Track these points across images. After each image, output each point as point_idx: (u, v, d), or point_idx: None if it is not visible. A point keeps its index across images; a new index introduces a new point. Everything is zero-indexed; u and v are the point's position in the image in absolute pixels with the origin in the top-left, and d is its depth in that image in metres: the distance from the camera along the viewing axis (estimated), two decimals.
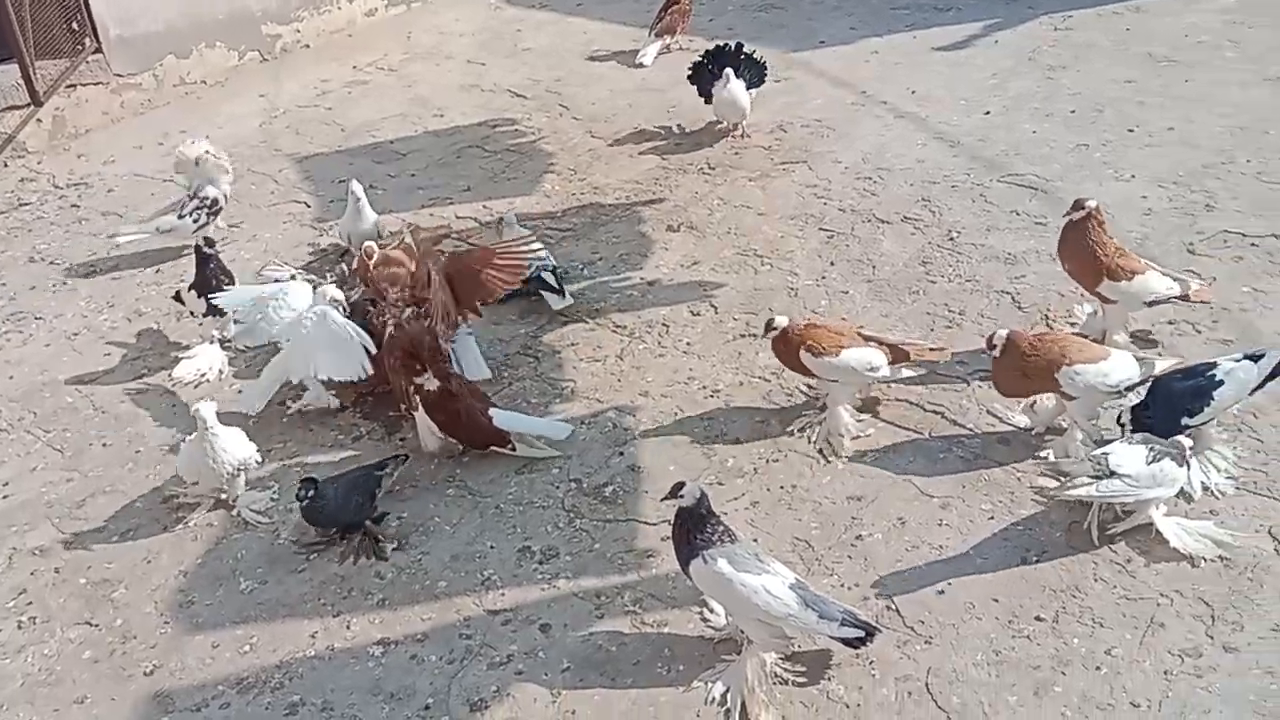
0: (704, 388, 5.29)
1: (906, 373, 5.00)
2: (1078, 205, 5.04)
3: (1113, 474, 4.02)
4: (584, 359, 5.61)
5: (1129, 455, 4.04)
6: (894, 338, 5.05)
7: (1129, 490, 4.02)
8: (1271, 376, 4.34)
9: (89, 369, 5.91)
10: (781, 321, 4.85)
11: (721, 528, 3.86)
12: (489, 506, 4.76)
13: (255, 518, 4.84)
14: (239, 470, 4.80)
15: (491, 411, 4.92)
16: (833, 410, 4.89)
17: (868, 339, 4.92)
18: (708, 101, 7.49)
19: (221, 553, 4.70)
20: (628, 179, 7.23)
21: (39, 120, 8.13)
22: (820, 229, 6.48)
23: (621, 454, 4.97)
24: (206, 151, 6.70)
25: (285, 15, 9.63)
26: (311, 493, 4.43)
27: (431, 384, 4.90)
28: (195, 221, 6.61)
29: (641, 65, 8.83)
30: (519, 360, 5.64)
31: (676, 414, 5.17)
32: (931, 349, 5.06)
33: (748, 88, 7.34)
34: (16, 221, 7.41)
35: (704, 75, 7.46)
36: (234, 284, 5.76)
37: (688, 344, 5.64)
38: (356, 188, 6.24)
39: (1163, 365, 4.65)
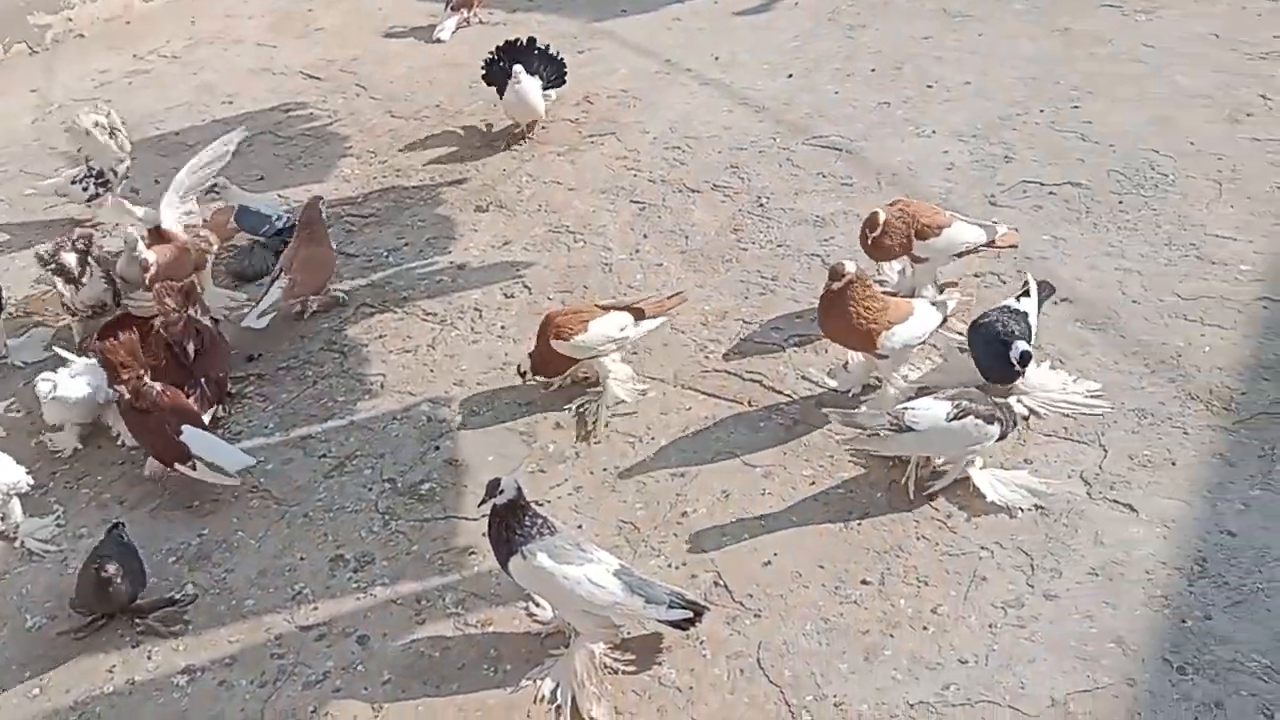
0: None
1: (651, 326, 4.95)
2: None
3: (908, 429, 4.01)
4: (393, 350, 5.38)
5: (928, 412, 4.03)
6: (629, 299, 5.13)
7: (920, 445, 4.02)
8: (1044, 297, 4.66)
9: None
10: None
11: (540, 520, 3.71)
12: (296, 515, 4.51)
13: (41, 547, 4.48)
14: (8, 496, 4.41)
15: (185, 428, 4.59)
16: (607, 386, 4.88)
17: (606, 308, 4.90)
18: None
19: (4, 588, 4.32)
20: (431, 159, 6.99)
21: None
22: (632, 201, 6.36)
23: (437, 448, 4.78)
24: (97, 124, 6.27)
25: (54, 4, 9.00)
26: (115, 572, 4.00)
27: (125, 392, 4.62)
28: (85, 190, 6.39)
29: (439, 40, 8.54)
30: (323, 357, 5.37)
31: (493, 402, 4.99)
32: (669, 298, 5.08)
33: (545, 87, 6.97)
34: None
35: (496, 72, 6.97)
36: None
37: (502, 327, 5.46)
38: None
39: (953, 303, 4.68)
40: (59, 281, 5.31)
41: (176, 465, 4.52)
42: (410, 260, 6.01)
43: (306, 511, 4.53)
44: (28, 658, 4.05)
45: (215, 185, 5.91)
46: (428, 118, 7.47)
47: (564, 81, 7.06)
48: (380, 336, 5.46)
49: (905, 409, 4.08)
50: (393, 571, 4.22)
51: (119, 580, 3.93)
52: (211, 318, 5.34)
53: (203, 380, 4.94)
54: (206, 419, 4.78)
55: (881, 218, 4.83)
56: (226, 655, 3.98)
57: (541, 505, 4.34)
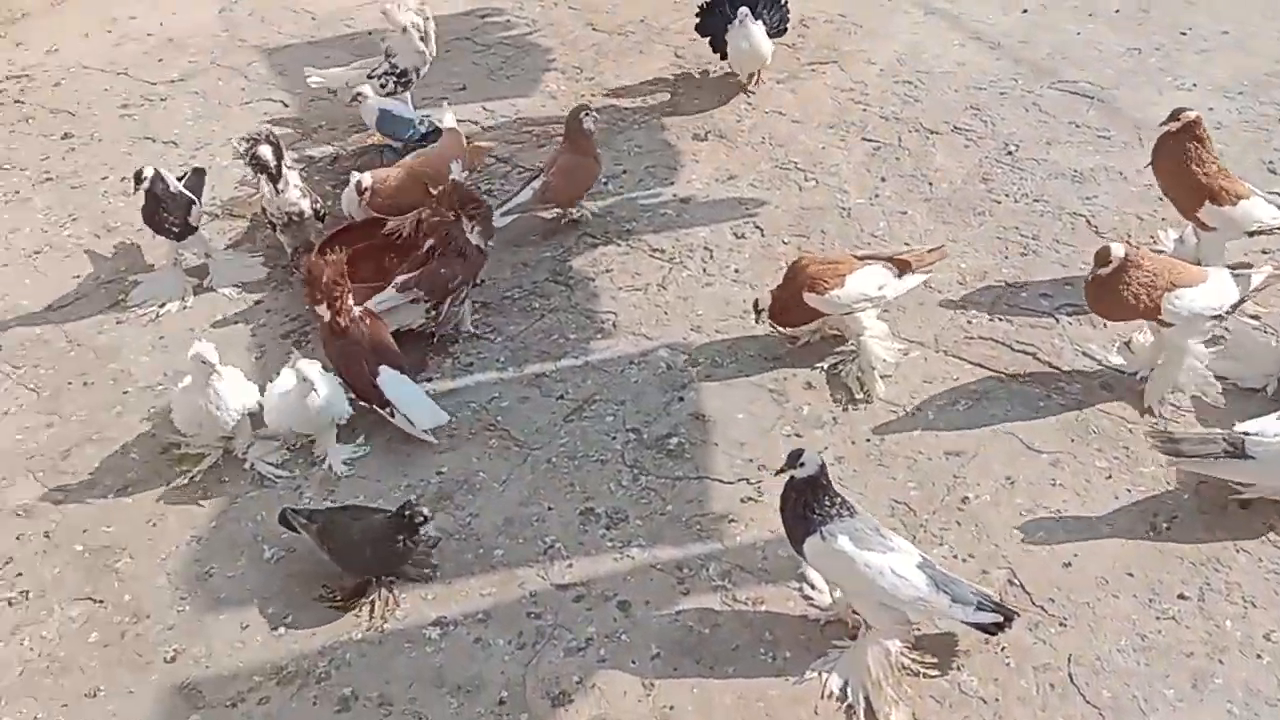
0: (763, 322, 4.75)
1: (913, 283, 4.55)
2: (1175, 115, 4.52)
3: (1249, 455, 3.58)
4: (622, 287, 5.06)
5: (1277, 438, 3.59)
6: (888, 250, 4.72)
7: (1265, 474, 3.60)
8: None
9: (57, 294, 5.23)
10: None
11: (839, 499, 3.40)
12: (539, 460, 4.24)
13: (271, 471, 4.27)
14: (243, 416, 4.19)
15: (382, 369, 4.35)
16: (863, 345, 4.49)
17: (863, 259, 4.52)
18: (720, 52, 6.45)
19: (237, 514, 4.13)
20: (640, 80, 6.56)
21: None
22: (864, 139, 5.93)
23: (681, 399, 4.47)
24: (413, 24, 5.95)
25: None
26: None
27: (325, 314, 4.39)
28: (383, 87, 5.96)
29: None
30: (549, 288, 5.07)
31: (736, 353, 4.67)
32: (930, 251, 4.66)
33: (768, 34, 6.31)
34: None
35: (716, 18, 6.26)
36: (185, 213, 5.07)
37: (735, 271, 5.10)
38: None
39: (1259, 278, 4.22)
40: (261, 179, 5.03)
41: (375, 408, 4.30)
42: (630, 189, 5.66)
43: (549, 457, 4.26)
44: (268, 593, 3.87)
45: (357, 94, 5.69)
46: (632, 33, 7.05)
47: (786, 27, 6.50)
48: (607, 270, 5.14)
49: (1246, 432, 3.64)
50: (649, 533, 3.94)
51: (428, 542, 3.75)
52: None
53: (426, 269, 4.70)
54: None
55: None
56: (479, 610, 3.75)
57: None
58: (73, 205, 5.83)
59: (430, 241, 4.76)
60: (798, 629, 3.63)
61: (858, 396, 4.40)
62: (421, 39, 5.95)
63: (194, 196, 5.00)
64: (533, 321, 4.91)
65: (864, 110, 6.15)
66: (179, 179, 5.16)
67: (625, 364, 4.66)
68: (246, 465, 4.33)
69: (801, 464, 3.33)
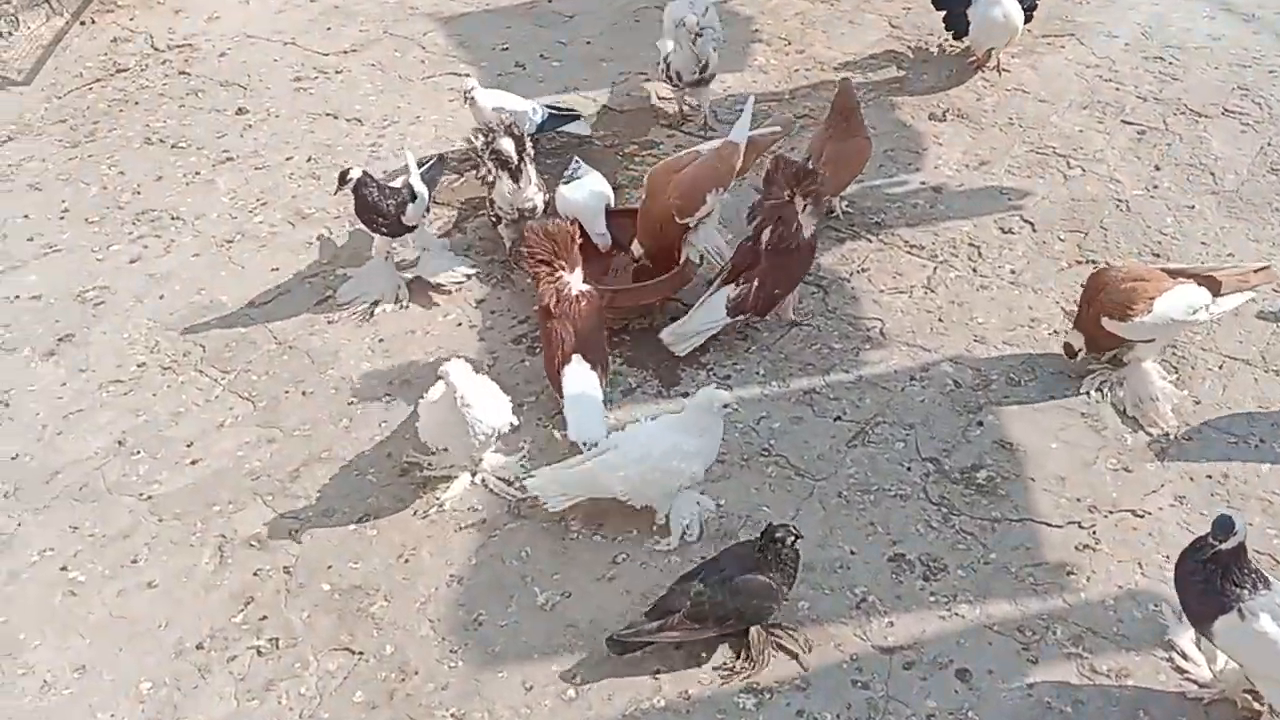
0: (1055, 332, 4.20)
1: (1231, 304, 4.00)
2: None
3: None
4: (884, 289, 4.52)
5: None
6: (1198, 268, 4.11)
7: None
8: None
9: (258, 288, 4.78)
10: None
11: (1254, 569, 2.83)
12: (828, 493, 3.74)
13: (504, 490, 3.82)
14: (490, 439, 3.73)
15: (573, 361, 3.98)
16: (1138, 370, 3.96)
17: (1174, 274, 3.94)
18: (954, 29, 5.84)
19: (498, 548, 3.68)
20: (856, 50, 5.99)
21: None
22: (1124, 122, 5.33)
23: (980, 424, 3.93)
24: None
25: None
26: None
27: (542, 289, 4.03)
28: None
29: None
30: (800, 289, 4.51)
31: (1033, 370, 4.12)
32: (1256, 270, 4.06)
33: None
34: (117, 91, 6.11)
35: None
36: (400, 210, 4.58)
37: (1011, 271, 4.54)
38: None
39: None
40: (502, 175, 4.53)
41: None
42: (872, 177, 5.10)
43: (839, 490, 3.76)
44: (550, 645, 3.42)
45: (468, 91, 5.10)
46: (837, 1, 6.43)
47: (1036, 5, 5.84)
48: (862, 270, 4.60)
49: None
50: (975, 586, 3.43)
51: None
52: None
53: (757, 282, 4.20)
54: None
55: None
56: (795, 676, 3.25)
57: (1143, 517, 3.48)
58: (259, 188, 5.38)
59: (765, 233, 4.21)
60: (1175, 708, 3.10)
61: (1145, 427, 3.82)
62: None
63: (415, 192, 4.53)
64: (786, 328, 4.38)
65: (1117, 90, 5.53)
66: (421, 164, 4.80)
67: (905, 380, 4.13)
68: (477, 479, 3.84)
69: (1234, 533, 2.78)
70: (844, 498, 3.75)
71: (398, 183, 4.63)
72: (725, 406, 3.56)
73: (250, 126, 5.79)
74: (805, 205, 4.16)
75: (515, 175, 4.47)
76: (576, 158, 4.95)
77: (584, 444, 3.83)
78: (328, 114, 5.85)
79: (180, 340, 4.56)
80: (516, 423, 3.88)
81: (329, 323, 4.62)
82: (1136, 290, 3.85)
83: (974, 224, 4.81)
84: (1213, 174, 4.96)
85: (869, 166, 5.12)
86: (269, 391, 4.32)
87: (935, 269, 4.61)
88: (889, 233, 4.81)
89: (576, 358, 3.99)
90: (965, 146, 5.25)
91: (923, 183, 5.06)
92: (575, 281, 4.09)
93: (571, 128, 5.33)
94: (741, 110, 4.62)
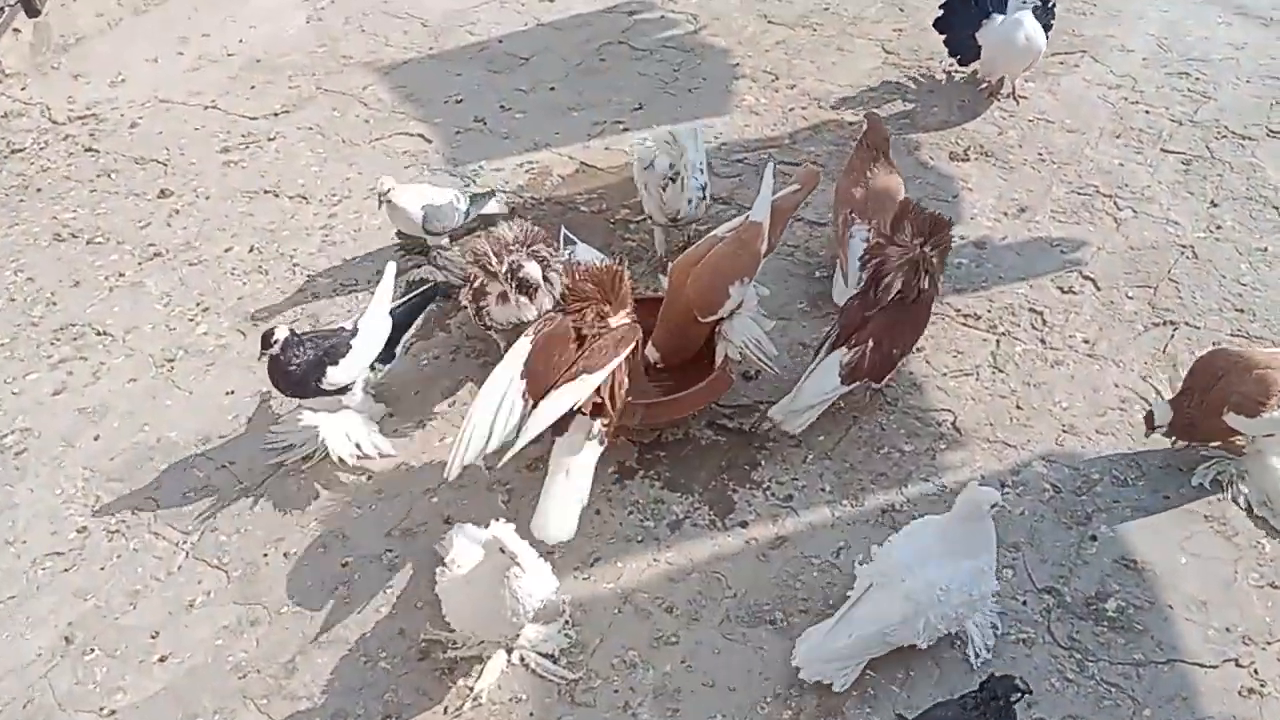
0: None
1: None
2: None
3: None
4: (945, 371, 3.95)
5: None
6: None
7: None
8: None
9: (212, 419, 4.05)
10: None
11: None
12: (938, 642, 3.10)
13: (551, 670, 3.13)
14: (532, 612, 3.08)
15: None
16: (1262, 464, 3.49)
17: None
18: (959, 53, 5.25)
19: None
20: (851, 81, 5.41)
21: (16, 30, 5.88)
22: (1164, 150, 4.82)
23: (1093, 538, 3.39)
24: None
25: None
26: None
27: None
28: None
29: None
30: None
31: (1140, 466, 3.57)
32: None
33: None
34: (15, 177, 5.31)
35: (965, 11, 5.12)
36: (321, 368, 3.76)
37: (1085, 342, 4.00)
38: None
39: None
40: (521, 299, 3.85)
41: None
42: None
43: (951, 636, 3.12)
44: None
45: (385, 193, 4.39)
46: (820, 25, 5.89)
47: (1053, 22, 5.28)
48: (917, 349, 3.98)
49: None
50: None
51: None
52: None
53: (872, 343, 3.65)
54: None
55: None
56: None
57: None
58: (197, 290, 4.63)
59: (882, 285, 3.66)
60: None
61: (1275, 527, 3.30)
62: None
63: (351, 337, 3.80)
64: (845, 427, 3.78)
65: (1147, 113, 5.03)
66: (413, 287, 4.23)
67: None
68: (514, 656, 3.17)
69: None
70: (958, 647, 3.13)
71: (350, 323, 3.87)
72: (994, 506, 2.99)
73: (177, 212, 5.03)
74: (932, 257, 3.64)
75: (534, 296, 3.80)
76: (565, 230, 4.29)
77: (546, 541, 3.26)
78: (266, 191, 5.11)
79: (126, 493, 3.83)
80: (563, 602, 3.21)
81: (303, 457, 3.87)
82: (1268, 380, 3.31)
83: (1030, 285, 4.26)
84: (1276, 208, 4.46)
85: None
86: (243, 555, 3.60)
87: (998, 342, 4.04)
88: (937, 301, 4.20)
89: (580, 420, 3.41)
90: (998, 190, 4.69)
91: (963, 237, 4.48)
92: (618, 321, 3.50)
93: (489, 208, 4.65)
94: (740, 162, 4.03)
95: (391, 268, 4.01)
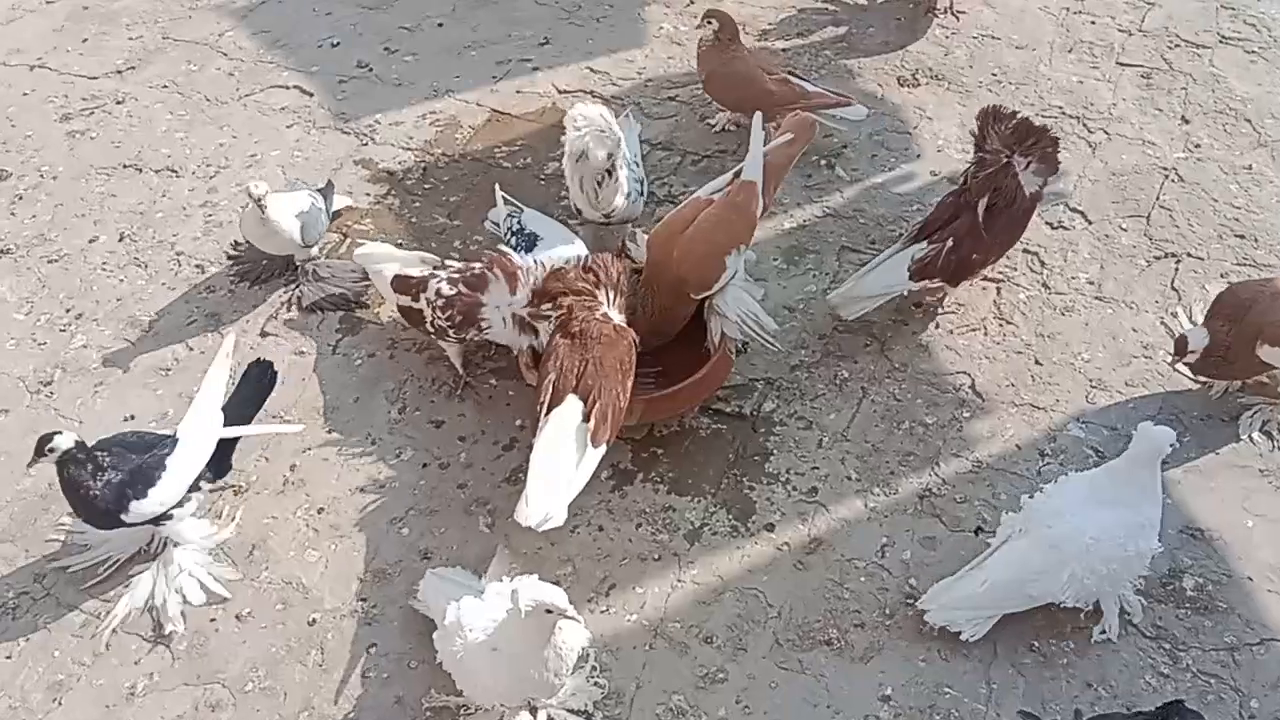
0: (1170, 353, 3.36)
1: None
2: None
3: None
4: (952, 328, 3.65)
5: None
6: None
7: None
8: None
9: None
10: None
11: None
12: (1016, 648, 2.85)
13: None
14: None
15: (558, 410, 3.04)
16: None
17: None
18: None
19: None
20: (773, 4, 4.96)
21: None
22: (1120, 64, 4.52)
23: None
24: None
25: None
26: None
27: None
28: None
29: None
30: (847, 343, 3.67)
31: (1177, 418, 3.35)
32: None
33: None
34: None
35: None
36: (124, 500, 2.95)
37: (1090, 284, 3.73)
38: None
39: None
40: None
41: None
42: (868, 169, 4.15)
43: (1029, 639, 2.92)
44: None
45: (260, 198, 3.60)
46: None
47: None
48: (915, 304, 3.63)
49: None
50: None
51: None
52: None
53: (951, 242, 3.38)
54: None
55: None
56: None
57: None
58: (63, 293, 3.95)
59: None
60: None
61: None
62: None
63: (170, 453, 2.99)
64: (855, 401, 3.39)
65: (1093, 24, 4.76)
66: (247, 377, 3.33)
67: (1034, 458, 3.26)
68: (541, 718, 2.73)
69: None
70: (1038, 650, 2.81)
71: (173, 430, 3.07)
72: (1171, 448, 2.68)
73: (20, 198, 4.26)
74: (1028, 164, 3.37)
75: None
76: (502, 193, 3.73)
77: (537, 526, 2.84)
78: (126, 165, 4.37)
79: (22, 558, 3.14)
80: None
81: (235, 492, 3.26)
82: None
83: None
84: (1248, 120, 4.24)
85: (856, 156, 4.14)
86: (188, 623, 2.97)
87: (999, 290, 3.71)
88: None
89: (572, 401, 2.95)
90: (959, 117, 4.33)
91: (933, 172, 4.12)
92: (614, 315, 3.10)
93: (337, 203, 4.02)
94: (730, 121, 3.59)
95: (229, 343, 3.25)
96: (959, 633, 2.80)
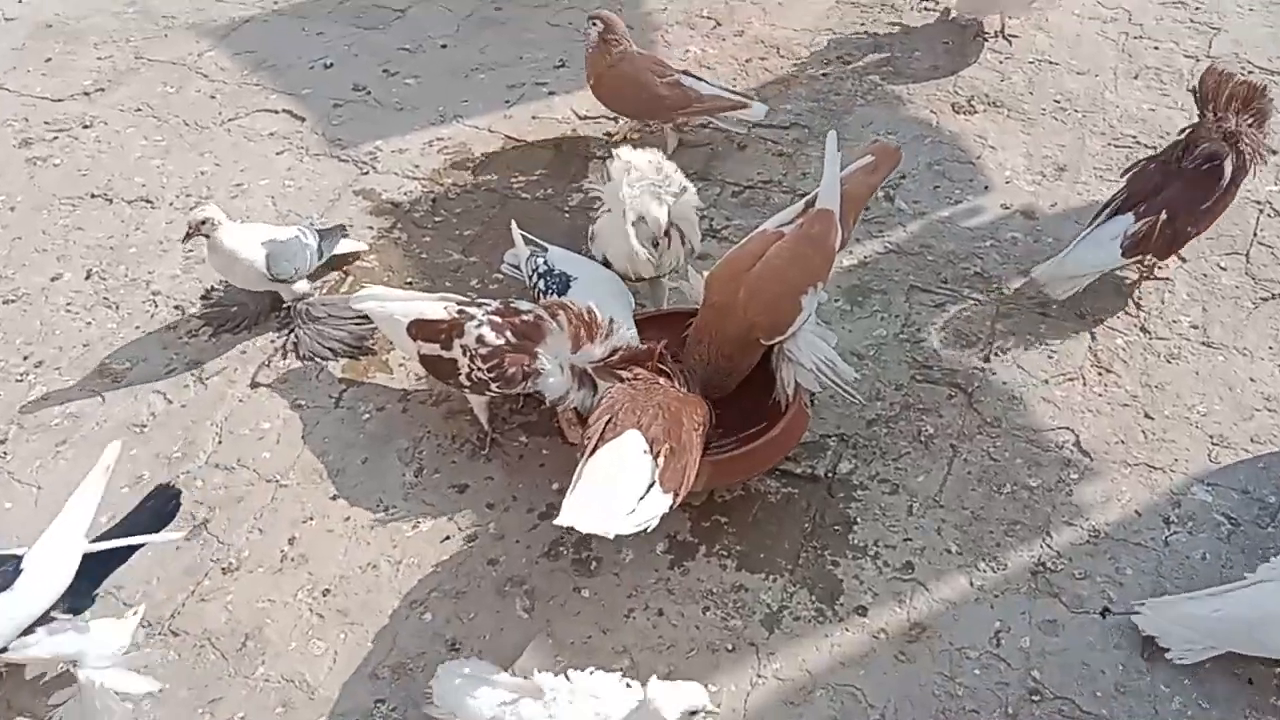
0: None
1: None
2: None
3: None
4: (1045, 376, 3.23)
5: None
6: None
7: None
8: None
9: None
10: None
11: None
12: None
13: None
14: None
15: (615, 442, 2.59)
16: None
17: None
18: None
19: None
20: (808, 25, 4.58)
21: None
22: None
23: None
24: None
25: None
26: None
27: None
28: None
29: None
30: (928, 394, 3.21)
31: None
32: None
33: None
34: None
35: None
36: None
37: (1194, 328, 3.35)
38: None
39: None
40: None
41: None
42: (930, 201, 3.70)
43: None
44: None
45: (204, 223, 3.18)
46: None
47: None
48: (1003, 350, 3.18)
49: None
50: None
51: None
52: None
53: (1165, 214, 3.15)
54: None
55: None
56: None
57: None
58: (20, 338, 3.49)
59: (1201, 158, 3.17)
60: None
61: None
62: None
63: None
64: (946, 461, 2.94)
65: (1156, 49, 4.40)
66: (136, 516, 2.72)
67: (1158, 527, 2.82)
68: None
69: None
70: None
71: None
72: None
73: None
74: (1249, 129, 3.17)
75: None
76: (520, 230, 3.25)
77: (580, 527, 2.41)
78: (94, 195, 3.91)
79: None
80: None
81: (224, 571, 2.74)
82: None
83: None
84: None
85: (917, 187, 3.71)
86: None
87: (1093, 335, 3.27)
88: (1003, 287, 3.42)
89: (633, 435, 2.53)
90: (1024, 147, 3.92)
91: (1004, 205, 3.69)
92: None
93: (341, 247, 3.55)
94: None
95: (110, 453, 2.66)
96: (1166, 650, 2.44)
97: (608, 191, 3.09)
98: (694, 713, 2.00)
